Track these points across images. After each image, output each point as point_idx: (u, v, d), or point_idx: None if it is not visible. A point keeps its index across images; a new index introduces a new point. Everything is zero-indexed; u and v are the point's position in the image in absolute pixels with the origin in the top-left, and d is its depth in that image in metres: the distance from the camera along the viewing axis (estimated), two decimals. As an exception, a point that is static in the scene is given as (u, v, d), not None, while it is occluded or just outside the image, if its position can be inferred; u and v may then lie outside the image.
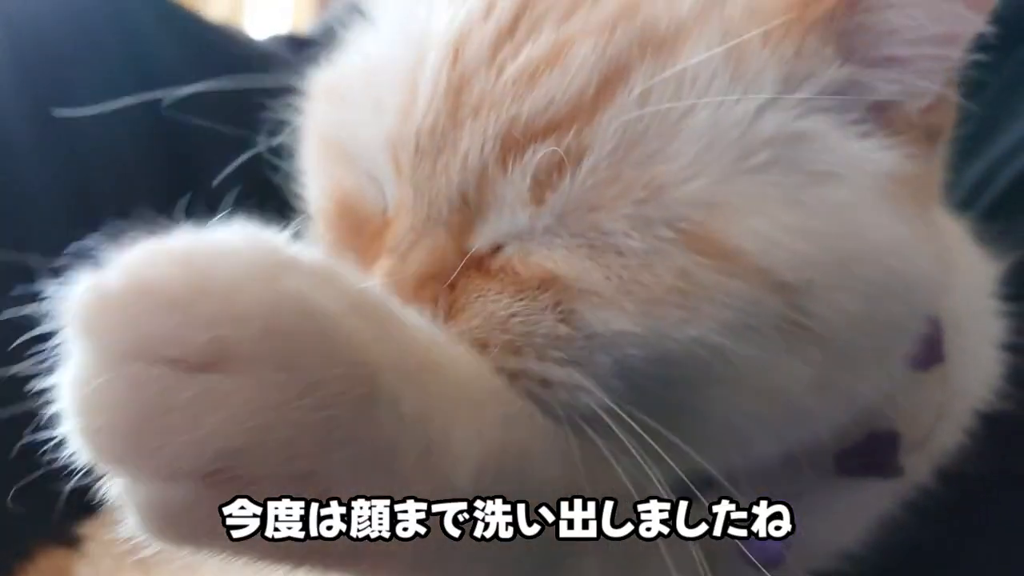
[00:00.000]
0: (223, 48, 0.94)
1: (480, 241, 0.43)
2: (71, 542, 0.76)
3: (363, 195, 0.49)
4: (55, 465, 0.34)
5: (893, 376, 0.47)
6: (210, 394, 0.30)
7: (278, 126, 0.59)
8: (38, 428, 0.34)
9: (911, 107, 0.44)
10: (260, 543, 0.34)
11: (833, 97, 0.42)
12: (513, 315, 0.42)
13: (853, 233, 0.41)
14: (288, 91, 0.58)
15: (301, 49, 1.12)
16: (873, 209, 0.42)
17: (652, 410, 0.41)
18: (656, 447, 0.40)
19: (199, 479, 0.32)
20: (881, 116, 0.44)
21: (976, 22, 0.42)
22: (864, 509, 0.57)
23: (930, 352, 0.52)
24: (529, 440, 0.40)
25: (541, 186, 0.41)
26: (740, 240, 0.39)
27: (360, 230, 0.47)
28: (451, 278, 0.43)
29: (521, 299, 0.42)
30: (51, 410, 0.33)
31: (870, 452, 0.50)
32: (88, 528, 0.77)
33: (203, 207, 0.42)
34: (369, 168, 0.47)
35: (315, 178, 0.53)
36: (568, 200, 0.41)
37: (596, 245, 0.41)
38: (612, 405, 0.40)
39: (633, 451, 0.40)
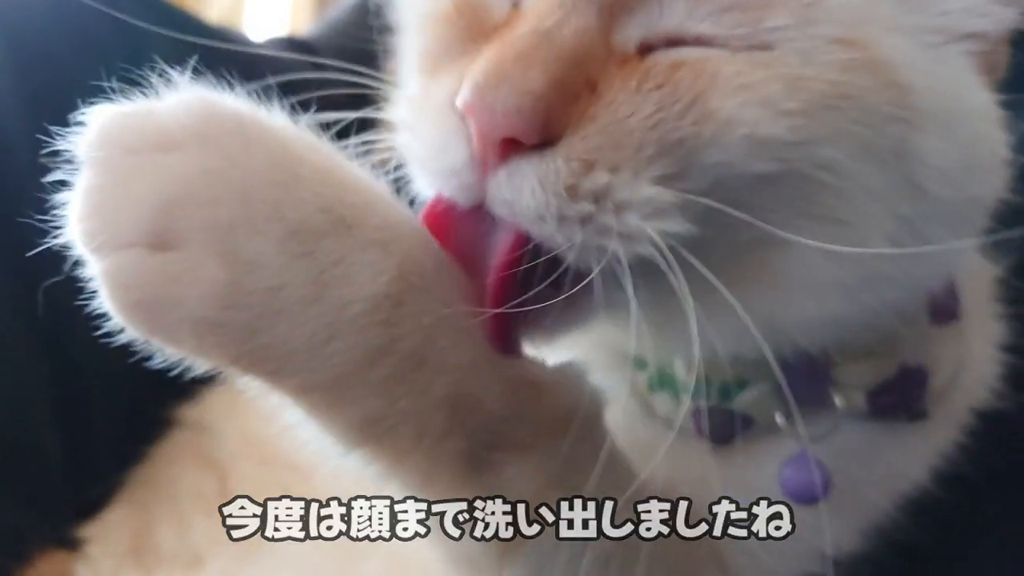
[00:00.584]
0: (220, 50, 0.94)
1: (629, 33, 0.42)
2: (71, 544, 0.76)
3: None
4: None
5: (960, 263, 0.50)
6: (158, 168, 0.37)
7: None
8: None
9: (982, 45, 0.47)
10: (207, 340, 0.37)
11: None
12: (637, 117, 0.40)
13: (963, 95, 0.45)
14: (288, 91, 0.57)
15: (300, 51, 1.12)
16: (977, 86, 0.46)
17: (719, 262, 0.40)
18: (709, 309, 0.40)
19: (144, 244, 0.36)
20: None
21: None
22: (859, 512, 0.57)
23: (948, 308, 0.55)
24: None
25: None
26: (889, 53, 0.42)
27: (481, 25, 0.45)
28: (594, 73, 0.41)
29: (658, 101, 0.40)
30: None
31: (901, 388, 0.53)
32: (88, 530, 0.77)
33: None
34: None
35: None
36: None
37: (756, 44, 0.41)
38: (679, 248, 0.39)
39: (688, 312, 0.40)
